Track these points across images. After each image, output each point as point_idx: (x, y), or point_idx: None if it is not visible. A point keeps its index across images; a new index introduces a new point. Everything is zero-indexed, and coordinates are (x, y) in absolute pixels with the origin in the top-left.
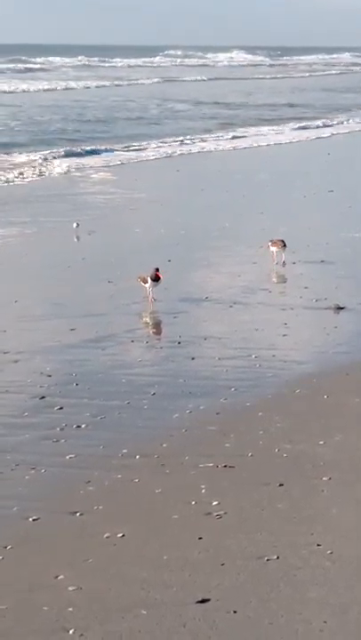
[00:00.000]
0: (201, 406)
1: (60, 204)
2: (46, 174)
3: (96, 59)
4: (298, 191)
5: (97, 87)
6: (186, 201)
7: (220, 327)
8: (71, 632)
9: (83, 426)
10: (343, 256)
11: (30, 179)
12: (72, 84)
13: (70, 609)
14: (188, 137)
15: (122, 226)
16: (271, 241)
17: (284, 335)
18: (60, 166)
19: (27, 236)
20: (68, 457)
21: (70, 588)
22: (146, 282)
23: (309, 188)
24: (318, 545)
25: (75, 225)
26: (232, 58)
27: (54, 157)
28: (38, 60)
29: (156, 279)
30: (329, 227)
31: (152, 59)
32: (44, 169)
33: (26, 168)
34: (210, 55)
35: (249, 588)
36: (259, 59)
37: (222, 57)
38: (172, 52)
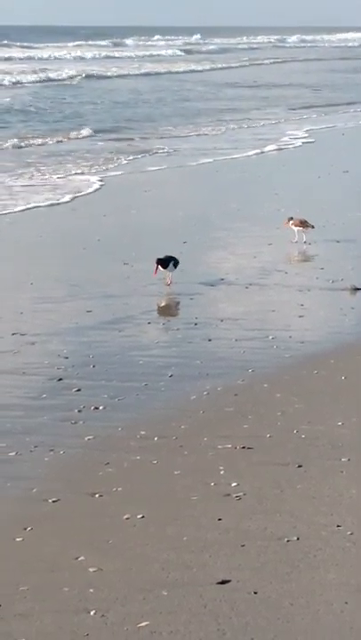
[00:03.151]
0: (218, 388)
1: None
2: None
3: (197, 37)
4: (312, 172)
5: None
6: (202, 182)
7: (236, 308)
8: (92, 613)
9: (101, 407)
10: (359, 236)
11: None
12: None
13: (91, 590)
14: None
15: (137, 207)
16: (292, 219)
17: (301, 316)
18: None
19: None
20: (86, 438)
21: (91, 570)
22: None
23: (324, 168)
24: (338, 526)
25: None
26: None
27: None
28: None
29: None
30: (344, 207)
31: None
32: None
33: None
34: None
35: (269, 569)
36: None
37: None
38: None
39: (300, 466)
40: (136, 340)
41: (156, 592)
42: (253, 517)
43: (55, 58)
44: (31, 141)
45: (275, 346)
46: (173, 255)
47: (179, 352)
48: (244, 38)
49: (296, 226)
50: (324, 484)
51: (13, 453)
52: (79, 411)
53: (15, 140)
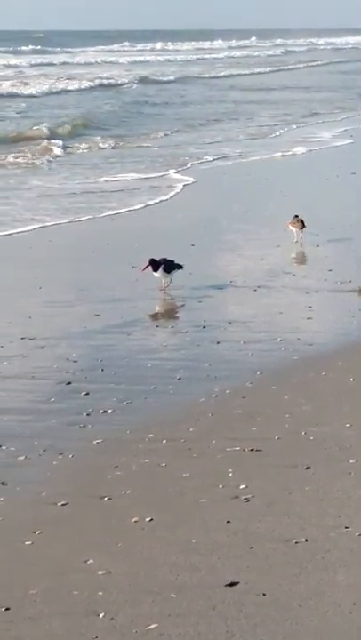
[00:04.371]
0: (227, 390)
1: None
2: None
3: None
4: (321, 174)
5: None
6: (211, 184)
7: (244, 311)
8: (101, 616)
9: (109, 411)
10: None
11: None
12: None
13: (100, 593)
14: None
15: (145, 210)
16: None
17: (309, 318)
18: None
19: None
20: (95, 442)
21: (100, 572)
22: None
23: (332, 170)
24: (346, 527)
25: None
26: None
27: None
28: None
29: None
30: (353, 209)
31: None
32: None
33: None
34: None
35: (278, 571)
36: None
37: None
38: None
39: (308, 467)
40: (144, 343)
41: (165, 594)
42: (262, 519)
43: (105, 62)
44: (114, 143)
45: (283, 348)
46: (172, 260)
47: (187, 355)
48: (278, 40)
49: (292, 225)
50: (332, 485)
51: (23, 457)
52: (88, 414)
53: (104, 142)
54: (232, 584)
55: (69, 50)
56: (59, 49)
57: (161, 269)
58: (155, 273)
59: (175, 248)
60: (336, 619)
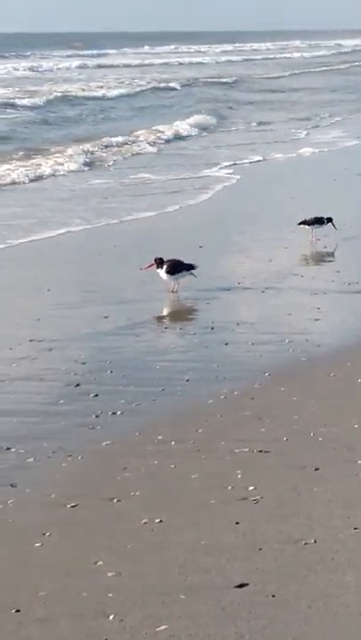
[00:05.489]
0: (235, 392)
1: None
2: None
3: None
4: (328, 175)
5: None
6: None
7: (252, 312)
8: (111, 617)
9: (118, 413)
10: None
11: None
12: None
13: (110, 594)
14: None
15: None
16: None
17: (317, 319)
18: None
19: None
20: (104, 444)
21: (109, 574)
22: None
23: (339, 171)
24: (355, 528)
25: None
26: None
27: None
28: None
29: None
30: (359, 210)
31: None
32: None
33: None
34: None
35: (287, 572)
36: None
37: None
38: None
39: (316, 469)
40: (153, 344)
41: (175, 596)
42: (271, 521)
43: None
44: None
45: (291, 349)
46: (181, 260)
47: (195, 356)
48: (297, 41)
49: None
50: (341, 486)
51: (32, 459)
52: (97, 416)
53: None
54: (241, 585)
55: (108, 52)
56: (95, 52)
57: (164, 272)
58: (159, 272)
59: (184, 249)
60: (345, 620)
